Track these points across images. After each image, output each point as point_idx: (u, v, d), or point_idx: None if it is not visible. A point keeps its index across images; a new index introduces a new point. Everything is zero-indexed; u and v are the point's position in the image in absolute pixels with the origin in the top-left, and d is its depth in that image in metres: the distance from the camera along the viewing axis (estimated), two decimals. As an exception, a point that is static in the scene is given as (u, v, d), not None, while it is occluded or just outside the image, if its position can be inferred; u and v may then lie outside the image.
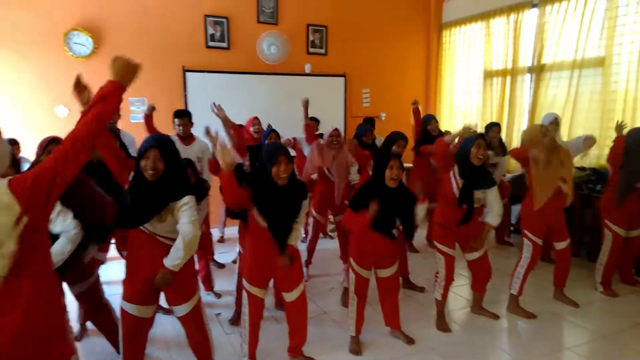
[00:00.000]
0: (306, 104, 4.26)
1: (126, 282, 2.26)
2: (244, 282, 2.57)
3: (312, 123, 4.42)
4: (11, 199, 1.37)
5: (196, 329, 2.39)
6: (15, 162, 2.08)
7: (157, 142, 2.15)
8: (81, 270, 2.57)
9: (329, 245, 4.94)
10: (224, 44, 5.63)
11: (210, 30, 5.54)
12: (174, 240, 2.17)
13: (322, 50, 6.22)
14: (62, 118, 4.93)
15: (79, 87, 2.03)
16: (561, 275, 3.60)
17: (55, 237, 2.19)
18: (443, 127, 6.80)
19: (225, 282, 3.85)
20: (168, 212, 2.16)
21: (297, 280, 2.60)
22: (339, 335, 3.10)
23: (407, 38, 6.84)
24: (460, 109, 6.59)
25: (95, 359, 2.83)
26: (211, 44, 5.57)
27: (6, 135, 3.82)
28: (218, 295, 3.72)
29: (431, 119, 4.70)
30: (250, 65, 5.78)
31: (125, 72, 1.65)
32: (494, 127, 4.60)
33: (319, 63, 6.18)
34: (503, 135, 5.11)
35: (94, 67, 5.00)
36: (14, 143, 3.70)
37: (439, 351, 2.95)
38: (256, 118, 4.27)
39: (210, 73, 5.58)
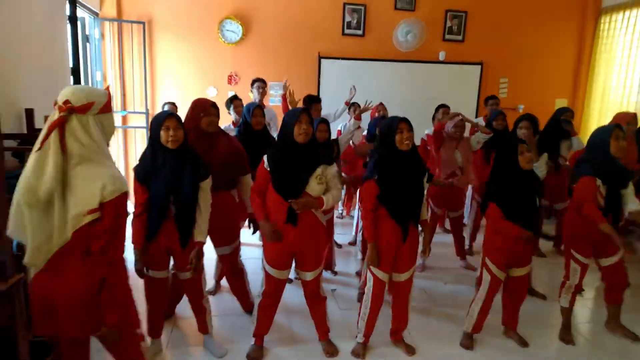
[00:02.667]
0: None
1: (268, 248, 2.55)
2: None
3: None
4: (109, 196, 1.55)
5: (316, 294, 2.69)
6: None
7: (305, 109, 2.42)
8: (228, 234, 2.92)
9: (449, 239, 4.83)
10: (359, 32, 5.75)
11: (348, 18, 5.69)
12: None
13: (459, 37, 6.00)
14: (211, 98, 5.53)
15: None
16: None
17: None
18: (594, 124, 6.14)
19: (340, 262, 4.05)
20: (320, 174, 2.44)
21: (411, 262, 2.66)
22: (450, 329, 3.07)
23: (556, 25, 6.25)
24: (614, 105, 5.86)
25: (225, 313, 3.20)
26: (347, 31, 5.73)
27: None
28: (335, 273, 3.91)
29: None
30: (383, 52, 5.83)
31: None
32: None
33: (454, 50, 5.99)
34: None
35: (241, 53, 5.52)
36: (173, 104, 4.67)
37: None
38: (381, 104, 4.32)
39: (344, 60, 5.75)
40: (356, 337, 2.79)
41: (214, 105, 2.73)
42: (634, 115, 3.76)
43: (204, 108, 2.69)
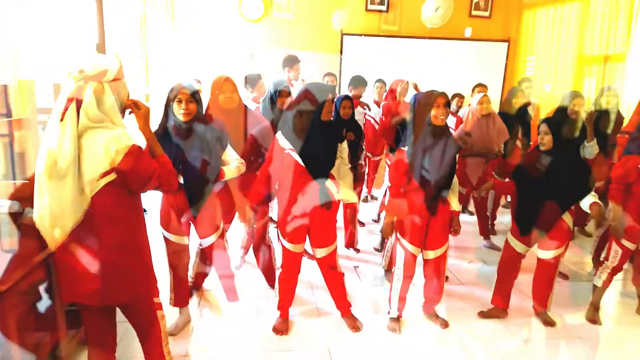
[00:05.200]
0: None
1: (282, 222, 2.58)
2: (400, 237, 2.67)
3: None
4: (116, 156, 1.54)
5: (332, 270, 2.69)
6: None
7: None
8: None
9: (473, 219, 4.78)
10: (383, 7, 5.63)
11: (371, -7, 5.58)
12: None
13: (486, 13, 5.84)
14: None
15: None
16: None
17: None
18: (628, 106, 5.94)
19: (363, 240, 4.06)
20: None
21: (443, 239, 2.65)
22: (475, 306, 3.06)
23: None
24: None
25: (250, 287, 3.24)
26: (371, 7, 5.62)
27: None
28: (357, 251, 3.92)
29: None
30: (406, 28, 5.72)
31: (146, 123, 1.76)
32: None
33: (480, 27, 5.85)
34: None
35: (262, 30, 5.47)
36: (198, 81, 4.54)
37: (586, 341, 2.74)
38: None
39: (367, 37, 5.66)
40: (389, 312, 2.81)
41: (227, 81, 2.71)
42: None
43: (217, 85, 2.70)
